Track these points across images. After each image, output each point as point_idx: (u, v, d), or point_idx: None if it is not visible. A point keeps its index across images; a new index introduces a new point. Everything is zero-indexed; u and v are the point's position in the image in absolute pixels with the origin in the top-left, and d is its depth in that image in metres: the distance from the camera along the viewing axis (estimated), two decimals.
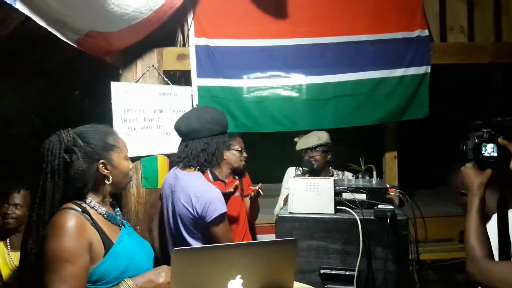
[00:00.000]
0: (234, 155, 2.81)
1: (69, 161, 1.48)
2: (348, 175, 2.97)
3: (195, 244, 2.04)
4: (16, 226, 2.29)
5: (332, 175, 3.00)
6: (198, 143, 2.07)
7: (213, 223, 1.97)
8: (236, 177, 2.93)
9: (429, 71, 3.22)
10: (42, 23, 1.99)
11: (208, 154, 2.07)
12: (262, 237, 3.37)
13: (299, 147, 2.99)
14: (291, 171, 3.11)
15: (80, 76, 3.78)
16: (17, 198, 2.29)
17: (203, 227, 2.01)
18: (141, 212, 2.89)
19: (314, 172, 2.81)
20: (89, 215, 1.49)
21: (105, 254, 1.47)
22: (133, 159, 2.83)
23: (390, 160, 3.58)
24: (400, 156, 3.60)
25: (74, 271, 1.37)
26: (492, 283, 1.28)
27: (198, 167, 2.10)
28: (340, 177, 2.99)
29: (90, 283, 1.44)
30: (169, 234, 2.19)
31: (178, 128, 2.14)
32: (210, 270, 1.23)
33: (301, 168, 2.81)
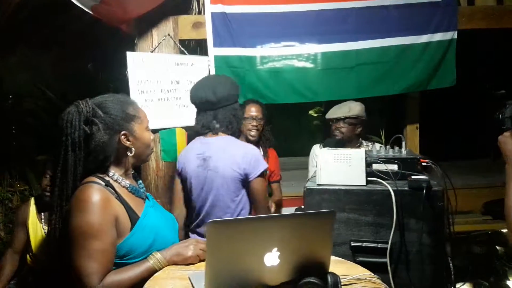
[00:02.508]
0: (243, 125, 2.73)
1: (90, 133, 1.42)
2: (377, 146, 2.86)
3: (237, 209, 2.04)
4: None
5: (360, 146, 2.90)
6: (229, 110, 2.05)
7: (257, 178, 1.99)
8: (261, 151, 2.86)
9: (455, 36, 3.06)
10: None
11: (238, 119, 2.09)
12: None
13: (328, 116, 2.88)
14: (316, 149, 3.01)
15: (95, 47, 3.69)
16: None
17: (246, 187, 2.04)
18: (160, 185, 2.86)
19: (338, 145, 2.72)
20: (113, 189, 1.44)
21: (131, 228, 1.44)
22: (151, 132, 2.78)
23: (412, 131, 3.48)
24: (421, 125, 3.50)
25: (101, 247, 1.33)
26: None
27: (231, 133, 2.07)
28: (370, 148, 2.89)
29: (118, 258, 1.41)
30: (201, 207, 2.11)
31: (205, 98, 2.04)
32: (246, 242, 1.17)
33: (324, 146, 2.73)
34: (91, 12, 2.21)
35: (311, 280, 1.21)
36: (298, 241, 1.23)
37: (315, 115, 7.23)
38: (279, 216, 1.31)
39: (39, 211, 2.34)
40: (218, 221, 1.15)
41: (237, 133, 2.10)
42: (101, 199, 1.36)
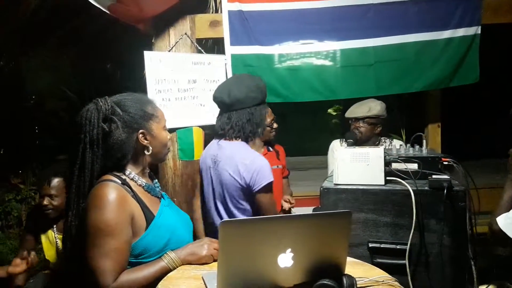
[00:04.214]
0: (264, 130, 2.72)
1: (108, 130, 1.42)
2: (397, 143, 2.79)
3: (240, 216, 1.97)
4: (57, 215, 2.24)
5: (379, 143, 2.83)
6: (243, 114, 1.97)
7: (261, 191, 1.89)
8: (270, 148, 2.86)
9: (479, 32, 2.96)
10: None
11: (253, 124, 1.99)
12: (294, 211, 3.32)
13: (347, 115, 2.82)
14: (335, 144, 2.96)
15: (113, 47, 3.74)
16: (51, 189, 2.19)
17: (250, 197, 1.93)
18: (178, 184, 2.86)
19: (358, 144, 2.67)
20: (130, 187, 1.44)
21: (147, 227, 1.43)
22: (169, 131, 2.78)
23: (433, 130, 3.39)
24: (442, 123, 3.41)
25: (116, 245, 1.33)
26: None
27: (244, 138, 2.01)
28: (388, 144, 2.82)
29: (133, 257, 1.41)
30: (210, 207, 2.11)
31: (220, 99, 2.01)
32: (259, 242, 1.15)
33: (344, 141, 2.68)
34: (108, 12, 2.22)
35: (326, 282, 1.18)
36: (313, 242, 1.20)
37: (334, 113, 7.16)
38: (293, 216, 1.28)
39: (49, 226, 2.31)
40: (231, 221, 1.14)
41: (252, 137, 2.03)
42: (117, 197, 1.36)
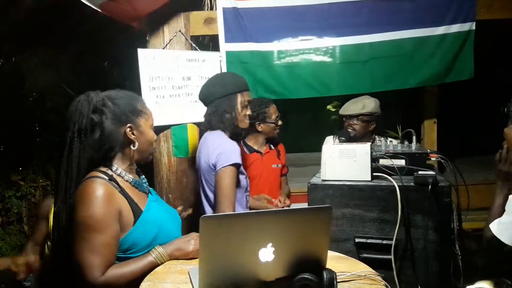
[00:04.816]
0: (269, 126, 2.76)
1: (97, 121, 1.45)
2: (394, 142, 2.79)
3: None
4: None
5: (373, 141, 2.83)
6: (210, 107, 2.17)
7: (222, 171, 1.96)
8: (272, 147, 2.87)
9: (473, 28, 2.96)
10: None
11: (218, 116, 2.13)
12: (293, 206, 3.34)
13: (341, 112, 2.81)
14: (329, 140, 2.96)
15: (111, 45, 3.76)
16: None
17: None
18: (172, 180, 2.87)
19: (352, 141, 2.67)
20: (117, 183, 1.46)
21: (134, 222, 1.45)
22: (163, 128, 2.82)
23: (429, 126, 3.40)
24: (439, 120, 3.41)
25: (104, 240, 1.35)
26: None
27: (211, 127, 2.15)
28: (381, 143, 2.81)
29: (121, 252, 1.43)
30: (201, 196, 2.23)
31: (199, 99, 2.26)
32: (240, 238, 1.17)
33: (338, 138, 2.69)
34: (100, 10, 2.24)
35: (305, 276, 1.20)
36: (294, 237, 1.22)
37: (333, 109, 7.16)
38: (274, 211, 1.29)
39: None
40: (210, 217, 1.15)
41: (220, 126, 2.13)
42: (104, 193, 1.38)
